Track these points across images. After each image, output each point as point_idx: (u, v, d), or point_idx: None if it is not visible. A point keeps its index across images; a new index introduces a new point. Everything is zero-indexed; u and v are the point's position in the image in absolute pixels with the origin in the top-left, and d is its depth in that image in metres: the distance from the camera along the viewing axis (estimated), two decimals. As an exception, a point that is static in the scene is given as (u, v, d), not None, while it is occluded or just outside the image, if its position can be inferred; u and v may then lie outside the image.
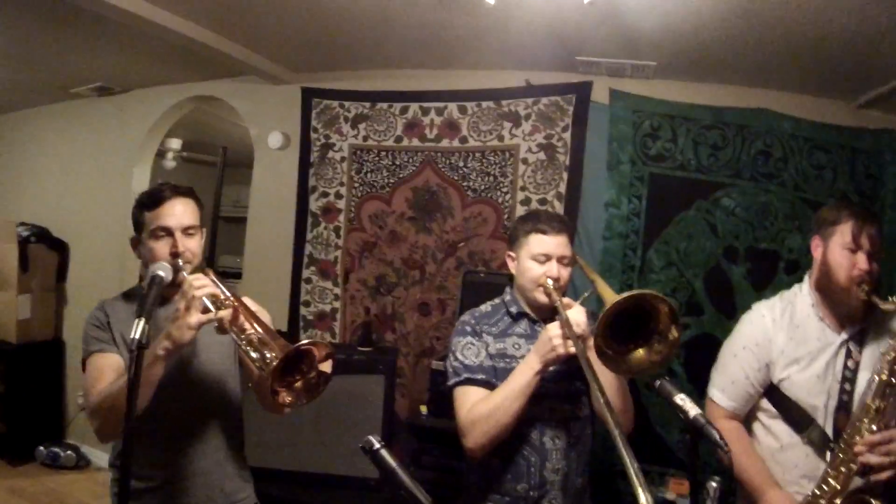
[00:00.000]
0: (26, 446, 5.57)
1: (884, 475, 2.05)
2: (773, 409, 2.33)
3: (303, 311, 4.72)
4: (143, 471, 2.04)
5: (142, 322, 1.56)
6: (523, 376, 2.04)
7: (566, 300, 2.12)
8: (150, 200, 2.10)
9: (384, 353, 3.85)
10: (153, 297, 1.72)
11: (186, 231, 2.08)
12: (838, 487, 2.09)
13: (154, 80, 5.35)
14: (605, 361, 1.91)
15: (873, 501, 2.07)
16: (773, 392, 2.33)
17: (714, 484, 3.49)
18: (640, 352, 1.93)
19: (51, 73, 5.23)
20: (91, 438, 5.42)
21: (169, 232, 2.05)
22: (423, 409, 3.73)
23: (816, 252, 2.32)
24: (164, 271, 1.86)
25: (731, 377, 2.38)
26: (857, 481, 2.10)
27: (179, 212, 2.08)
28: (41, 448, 5.57)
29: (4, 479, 5.30)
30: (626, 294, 1.85)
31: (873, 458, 2.04)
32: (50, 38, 4.26)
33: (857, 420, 2.10)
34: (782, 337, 2.30)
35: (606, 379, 1.99)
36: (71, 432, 5.82)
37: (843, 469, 2.09)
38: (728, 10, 3.01)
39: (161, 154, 6.65)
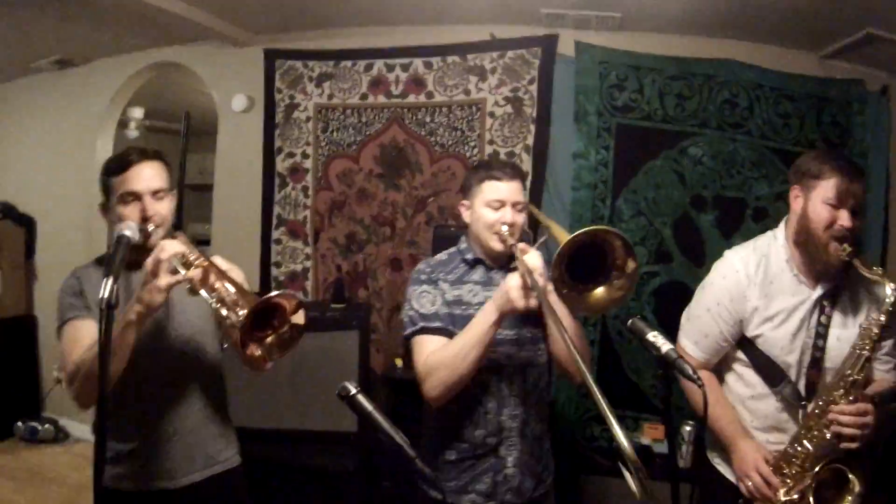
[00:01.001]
0: (4, 422, 5.54)
1: (854, 445, 2.04)
2: (746, 359, 2.31)
3: (274, 272, 4.71)
4: (122, 433, 2.04)
5: (109, 281, 1.54)
6: (480, 326, 2.03)
7: (522, 245, 2.11)
8: (118, 165, 2.05)
9: (357, 309, 3.83)
10: (120, 256, 1.70)
11: (155, 195, 2.04)
12: (810, 449, 2.09)
13: (114, 49, 5.26)
14: (566, 301, 1.92)
15: (850, 475, 2.09)
16: (746, 345, 2.30)
17: (688, 428, 3.57)
18: (601, 289, 1.93)
19: (9, 49, 5.13)
20: (69, 411, 5.44)
21: (137, 196, 2.01)
22: (398, 361, 3.78)
23: (796, 203, 2.23)
24: (129, 230, 1.83)
25: (703, 330, 2.35)
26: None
27: (148, 175, 2.04)
28: (19, 423, 5.54)
29: (-17, 456, 5.28)
30: (578, 231, 1.84)
31: (846, 429, 2.02)
32: (5, 12, 4.17)
33: (833, 388, 2.08)
34: (756, 293, 2.25)
35: (568, 324, 1.99)
36: (48, 406, 5.78)
37: (815, 432, 2.09)
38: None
39: (124, 124, 6.57)
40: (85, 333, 1.98)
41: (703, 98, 3.97)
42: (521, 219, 2.24)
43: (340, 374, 3.48)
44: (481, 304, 2.18)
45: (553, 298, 1.92)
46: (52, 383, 5.67)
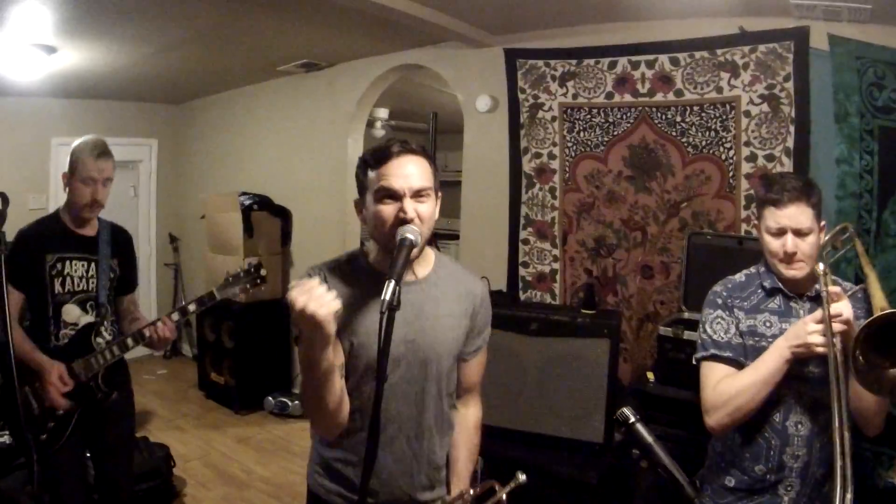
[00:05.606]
0: (255, 397, 6.15)
1: None
2: None
3: (521, 271, 4.81)
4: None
5: (391, 284, 1.55)
6: (772, 363, 1.97)
7: (834, 288, 1.95)
8: (375, 158, 1.84)
9: (608, 317, 3.78)
10: (402, 260, 1.65)
11: (418, 194, 1.82)
12: None
13: (358, 53, 5.57)
14: (861, 376, 1.81)
15: None
16: None
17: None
18: None
19: (258, 54, 5.56)
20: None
21: (394, 195, 1.80)
22: (650, 375, 3.64)
23: None
24: (412, 234, 1.73)
25: None
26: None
27: (408, 172, 1.81)
28: (269, 398, 6.08)
29: (232, 427, 5.86)
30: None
31: None
32: (254, 20, 4.47)
33: None
34: None
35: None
36: (299, 383, 6.22)
37: None
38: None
39: (370, 124, 6.95)
40: None
41: (969, 95, 3.56)
42: (806, 247, 2.05)
43: (588, 383, 3.54)
44: (776, 336, 2.12)
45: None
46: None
